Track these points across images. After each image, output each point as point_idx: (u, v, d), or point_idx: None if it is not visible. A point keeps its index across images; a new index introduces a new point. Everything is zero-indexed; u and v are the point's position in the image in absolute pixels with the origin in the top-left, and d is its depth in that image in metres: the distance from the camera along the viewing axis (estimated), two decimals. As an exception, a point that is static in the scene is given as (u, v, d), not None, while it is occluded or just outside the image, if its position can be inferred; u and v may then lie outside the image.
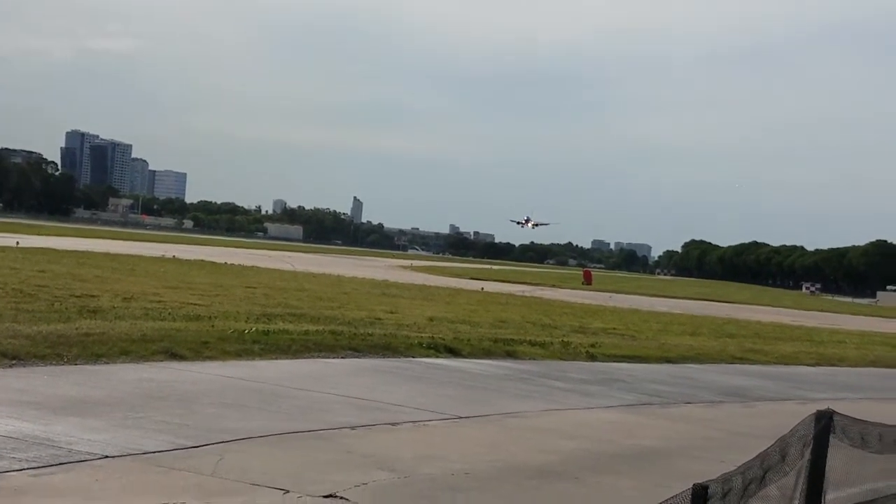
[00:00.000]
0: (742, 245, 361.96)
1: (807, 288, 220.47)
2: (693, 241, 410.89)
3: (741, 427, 17.89)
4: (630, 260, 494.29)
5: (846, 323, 66.96)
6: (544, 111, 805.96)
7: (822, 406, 9.15)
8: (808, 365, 32.25)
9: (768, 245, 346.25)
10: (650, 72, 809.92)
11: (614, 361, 26.47)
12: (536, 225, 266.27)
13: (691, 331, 41.01)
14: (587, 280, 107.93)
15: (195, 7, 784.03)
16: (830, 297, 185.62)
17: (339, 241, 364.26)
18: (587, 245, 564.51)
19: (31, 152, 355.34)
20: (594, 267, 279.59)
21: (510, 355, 24.83)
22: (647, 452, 14.36)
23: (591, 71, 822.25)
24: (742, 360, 30.74)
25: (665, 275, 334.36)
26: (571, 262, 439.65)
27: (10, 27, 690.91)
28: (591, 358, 26.48)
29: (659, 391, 21.63)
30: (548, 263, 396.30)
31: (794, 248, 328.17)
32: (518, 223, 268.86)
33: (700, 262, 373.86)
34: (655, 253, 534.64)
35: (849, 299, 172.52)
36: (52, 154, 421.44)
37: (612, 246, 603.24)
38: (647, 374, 24.54)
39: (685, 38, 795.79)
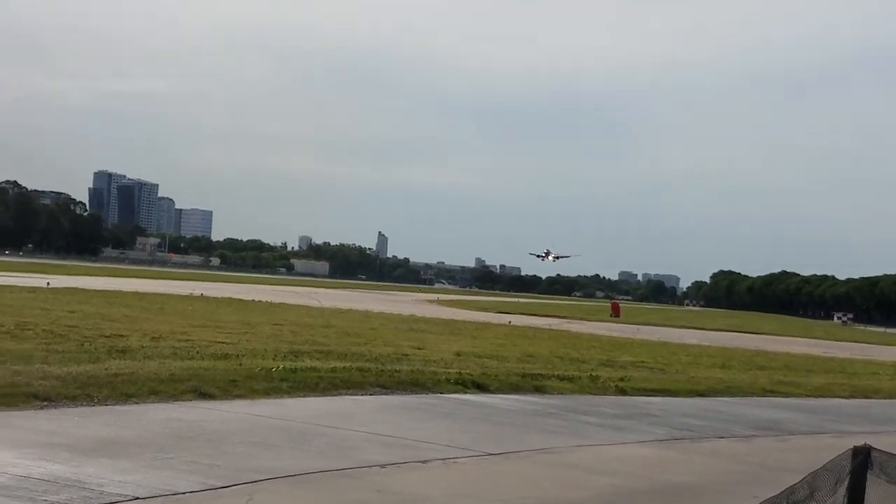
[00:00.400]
0: (771, 275, 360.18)
1: (838, 318, 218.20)
2: (721, 272, 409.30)
3: (774, 461, 17.73)
4: (658, 291, 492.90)
5: (879, 354, 66.31)
6: (570, 143, 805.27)
7: (858, 439, 9.04)
8: (841, 397, 31.87)
9: (798, 275, 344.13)
10: (677, 102, 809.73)
11: (644, 395, 26.31)
12: (558, 258, 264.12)
13: (721, 363, 40.73)
14: (615, 312, 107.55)
15: (219, 45, 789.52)
16: (863, 328, 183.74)
17: (364, 276, 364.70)
18: (614, 276, 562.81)
19: (60, 193, 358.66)
20: (622, 299, 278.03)
21: (538, 390, 24.71)
22: (679, 488, 14.25)
23: (616, 102, 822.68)
24: (774, 393, 30.47)
25: (694, 306, 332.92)
26: (598, 293, 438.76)
27: (36, 70, 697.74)
28: (621, 392, 26.33)
29: (690, 425, 21.47)
30: (575, 296, 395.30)
31: (825, 277, 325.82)
32: (538, 256, 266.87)
33: (729, 293, 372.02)
34: (684, 284, 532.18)
35: (881, 329, 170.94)
36: (81, 195, 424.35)
37: (639, 277, 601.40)
38: (677, 408, 24.37)
39: (712, 68, 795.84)
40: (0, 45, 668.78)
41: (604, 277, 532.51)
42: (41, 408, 15.44)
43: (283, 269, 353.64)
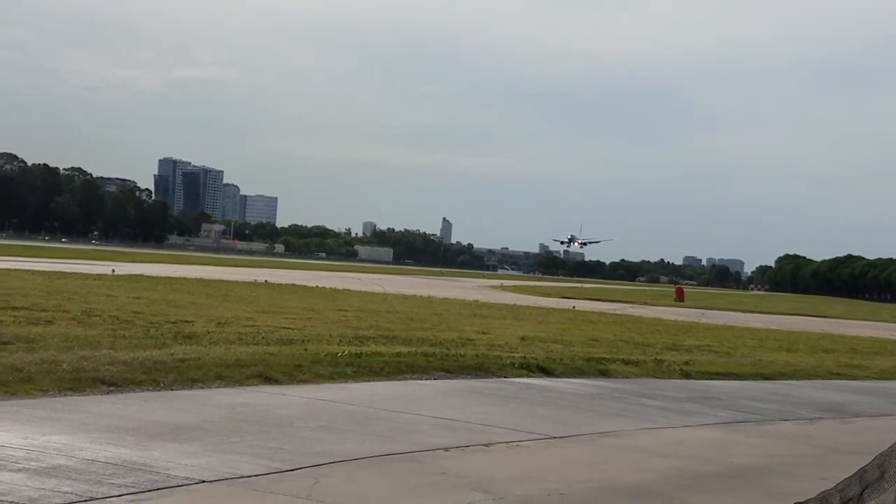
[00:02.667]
0: (837, 259, 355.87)
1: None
2: (787, 256, 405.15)
3: (840, 444, 17.51)
4: (722, 276, 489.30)
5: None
6: (633, 128, 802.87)
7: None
8: (908, 380, 31.47)
9: (864, 258, 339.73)
10: (741, 87, 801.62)
11: (709, 379, 26.13)
12: (585, 243, 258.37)
13: (787, 346, 40.35)
14: (679, 297, 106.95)
15: (281, 35, 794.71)
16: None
17: (419, 262, 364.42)
18: (678, 261, 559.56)
19: (126, 180, 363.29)
20: (686, 283, 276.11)
21: (603, 374, 24.61)
22: (744, 471, 14.11)
23: (679, 88, 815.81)
24: (839, 376, 30.15)
25: (758, 290, 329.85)
26: (663, 279, 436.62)
27: (102, 59, 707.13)
28: (686, 375, 26.16)
29: (755, 408, 21.27)
30: (639, 281, 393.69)
31: (891, 260, 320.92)
32: (561, 242, 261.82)
33: (794, 277, 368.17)
34: (748, 268, 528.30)
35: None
36: (146, 182, 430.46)
37: (703, 262, 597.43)
38: (742, 391, 24.16)
39: (775, 52, 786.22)
40: (67, 35, 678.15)
41: (668, 262, 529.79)
42: (108, 392, 15.61)
43: (344, 256, 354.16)
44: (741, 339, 42.18)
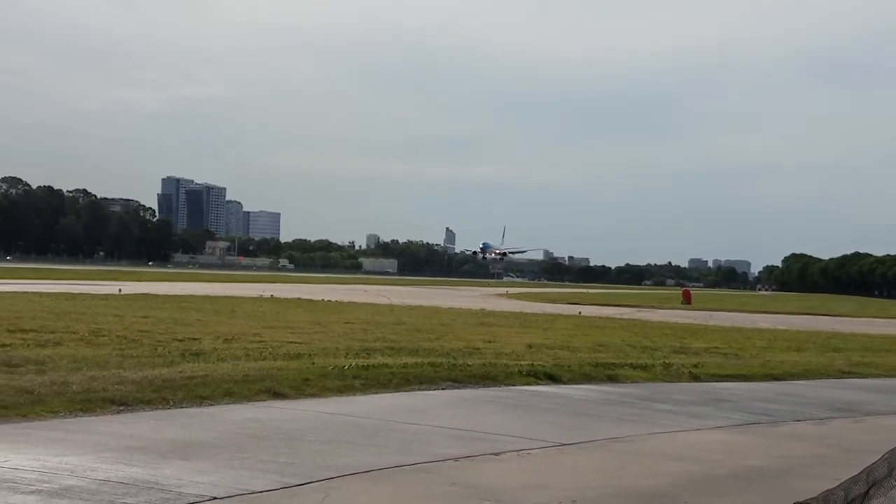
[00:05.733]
0: (844, 257, 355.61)
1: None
2: (793, 255, 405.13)
3: (854, 443, 17.46)
4: (729, 277, 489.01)
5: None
6: (635, 131, 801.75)
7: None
8: (919, 376, 31.37)
9: (871, 255, 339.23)
10: (743, 86, 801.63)
11: (718, 381, 26.10)
12: (503, 254, 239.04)
13: (796, 346, 40.26)
14: (686, 299, 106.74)
15: (279, 50, 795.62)
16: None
17: (424, 272, 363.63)
18: (684, 264, 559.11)
19: (129, 200, 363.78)
20: (693, 286, 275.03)
21: (611, 379, 24.60)
22: (757, 472, 14.08)
23: (679, 88, 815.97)
24: (850, 374, 30.07)
25: (766, 290, 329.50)
26: (669, 281, 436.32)
27: (103, 80, 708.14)
28: (695, 378, 26.13)
29: (766, 409, 21.23)
30: (645, 284, 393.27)
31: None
32: (474, 253, 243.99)
33: (802, 276, 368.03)
34: (755, 268, 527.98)
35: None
36: (150, 201, 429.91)
37: (710, 263, 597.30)
38: (752, 393, 24.12)
39: (779, 50, 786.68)
40: (68, 57, 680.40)
41: (674, 265, 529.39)
42: (118, 412, 15.65)
43: (350, 269, 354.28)
44: (750, 341, 42.09)
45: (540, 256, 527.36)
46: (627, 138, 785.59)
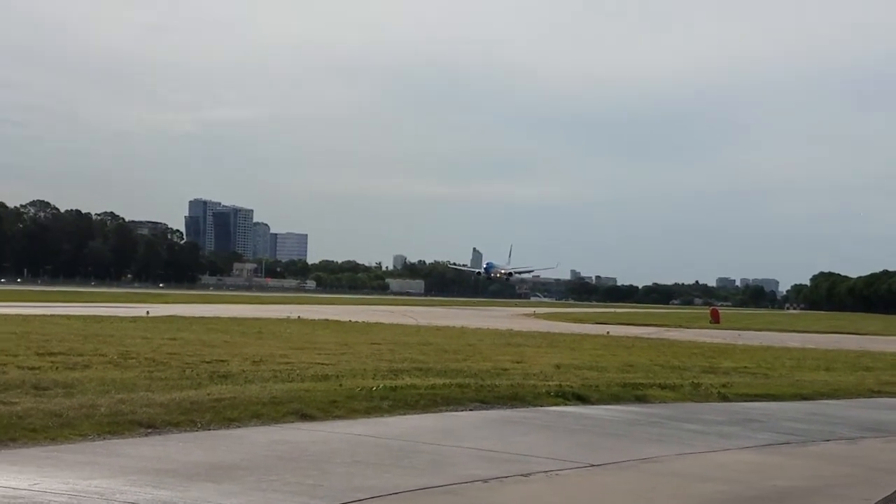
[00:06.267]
0: (873, 275, 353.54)
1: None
2: (822, 274, 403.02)
3: (884, 463, 17.32)
4: (757, 296, 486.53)
5: None
6: (660, 151, 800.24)
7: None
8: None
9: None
10: (771, 104, 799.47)
11: (747, 401, 25.93)
12: (510, 274, 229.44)
13: (825, 365, 39.99)
14: (714, 318, 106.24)
15: (307, 70, 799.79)
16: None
17: (451, 293, 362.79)
18: (712, 283, 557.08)
19: (157, 223, 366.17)
20: (721, 305, 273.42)
21: (640, 400, 24.48)
22: (786, 493, 13.98)
23: (705, 109, 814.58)
24: (881, 394, 29.84)
25: (794, 309, 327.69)
26: (697, 301, 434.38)
27: (130, 103, 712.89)
28: (724, 398, 25.97)
29: (795, 429, 21.08)
30: (672, 304, 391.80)
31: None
32: (478, 273, 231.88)
33: (830, 295, 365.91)
34: (783, 287, 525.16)
35: None
36: (177, 223, 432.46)
37: (737, 282, 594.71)
38: (782, 413, 23.96)
39: (803, 67, 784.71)
40: (95, 80, 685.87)
41: (702, 284, 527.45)
42: (146, 435, 15.66)
43: (370, 290, 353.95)
44: (779, 360, 41.84)
45: (567, 276, 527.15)
46: (655, 157, 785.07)
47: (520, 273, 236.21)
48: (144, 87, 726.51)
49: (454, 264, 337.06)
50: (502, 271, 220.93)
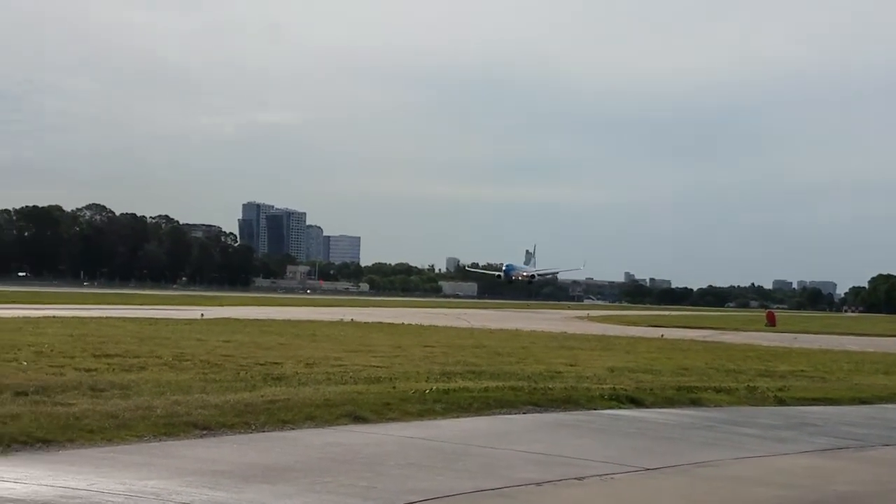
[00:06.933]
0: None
1: None
2: (880, 276, 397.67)
3: (945, 468, 17.06)
4: (814, 298, 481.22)
5: None
6: (718, 150, 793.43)
7: None
8: None
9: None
10: (824, 105, 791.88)
11: (804, 405, 25.65)
12: (533, 277, 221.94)
13: (884, 369, 39.48)
14: (771, 321, 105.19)
15: (355, 73, 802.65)
16: None
17: (504, 296, 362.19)
18: (768, 285, 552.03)
19: (211, 226, 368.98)
20: (777, 307, 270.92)
21: (695, 403, 24.29)
22: (847, 498, 13.81)
23: (759, 111, 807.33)
24: (941, 398, 29.39)
25: (852, 312, 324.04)
26: (753, 303, 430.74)
27: (183, 107, 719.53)
28: (780, 402, 25.71)
29: (854, 434, 20.82)
30: (728, 307, 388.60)
31: None
32: (498, 276, 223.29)
33: (889, 298, 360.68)
34: (841, 290, 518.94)
35: None
36: (231, 226, 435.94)
37: (794, 285, 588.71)
38: (839, 417, 23.68)
39: (858, 67, 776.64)
40: (148, 84, 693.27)
41: (758, 286, 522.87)
42: (201, 436, 15.77)
43: (420, 292, 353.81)
44: (836, 363, 41.34)
45: (621, 278, 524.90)
46: (712, 158, 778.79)
47: (543, 275, 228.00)
48: (195, 91, 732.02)
49: (475, 266, 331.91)
50: (524, 274, 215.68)
